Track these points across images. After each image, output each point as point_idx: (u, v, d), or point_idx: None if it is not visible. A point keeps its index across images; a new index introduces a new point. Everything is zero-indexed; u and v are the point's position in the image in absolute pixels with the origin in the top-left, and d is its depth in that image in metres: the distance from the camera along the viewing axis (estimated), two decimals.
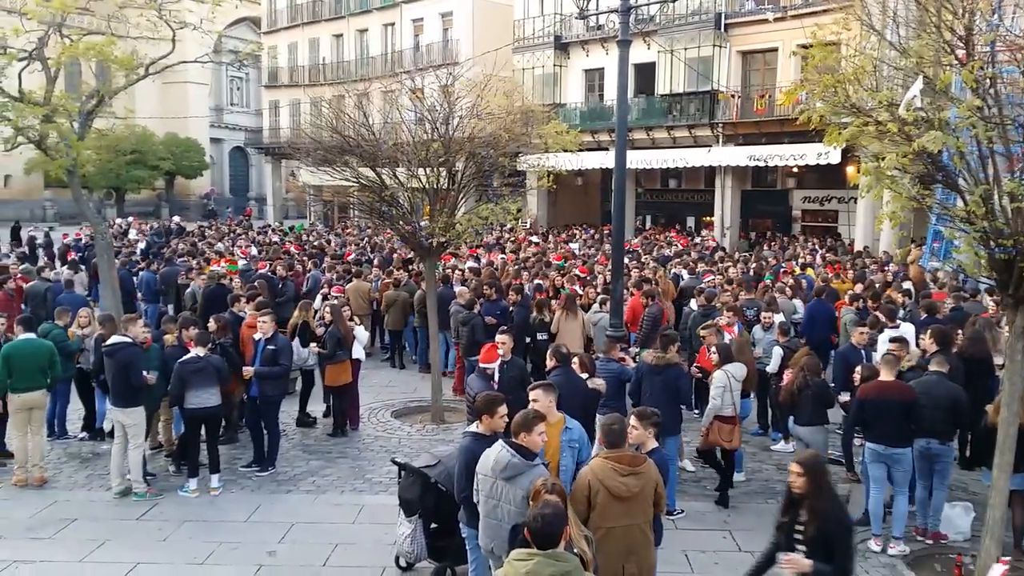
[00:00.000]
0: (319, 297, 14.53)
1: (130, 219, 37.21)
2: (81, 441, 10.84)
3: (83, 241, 24.92)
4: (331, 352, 10.98)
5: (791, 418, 9.03)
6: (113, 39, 13.58)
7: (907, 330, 10.58)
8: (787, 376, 9.26)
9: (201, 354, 9.08)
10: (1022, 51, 6.17)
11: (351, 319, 12.11)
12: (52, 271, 17.43)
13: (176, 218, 38.35)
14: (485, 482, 5.36)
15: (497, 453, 5.29)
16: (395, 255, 20.21)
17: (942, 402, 7.80)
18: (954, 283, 14.24)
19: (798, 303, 13.74)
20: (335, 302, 12.51)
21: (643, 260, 19.04)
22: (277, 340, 9.93)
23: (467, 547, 6.03)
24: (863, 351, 9.71)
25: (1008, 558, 6.81)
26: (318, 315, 11.96)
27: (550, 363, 8.28)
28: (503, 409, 5.81)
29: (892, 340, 9.33)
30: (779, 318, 11.47)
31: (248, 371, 9.79)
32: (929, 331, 9.22)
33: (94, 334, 10.51)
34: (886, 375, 7.85)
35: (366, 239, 26.59)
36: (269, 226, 36.75)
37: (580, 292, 14.33)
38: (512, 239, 25.92)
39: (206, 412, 9.04)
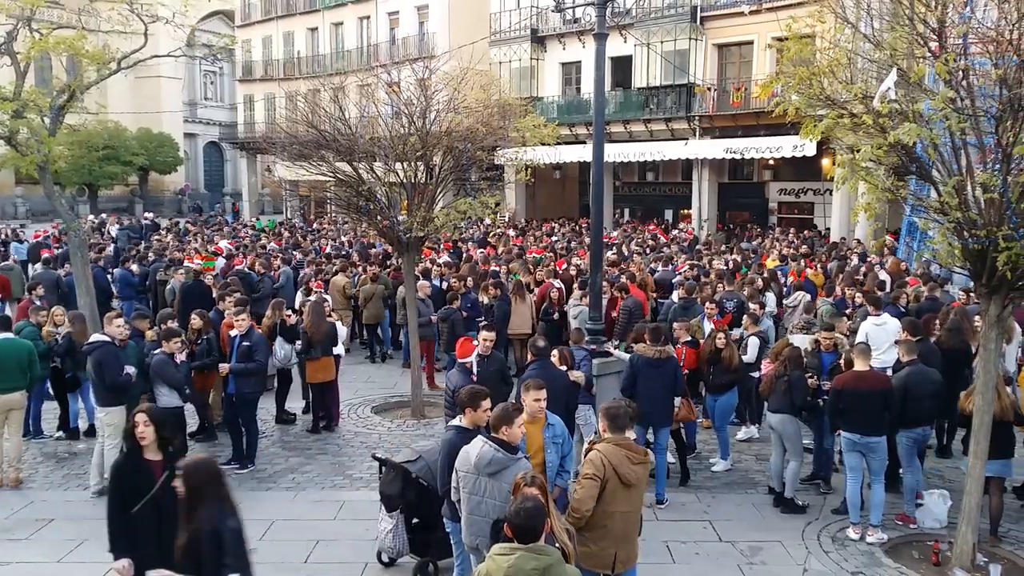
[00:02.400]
0: (299, 293, 14.48)
1: (103, 215, 36.74)
2: (57, 440, 10.72)
3: (48, 239, 24.55)
4: (303, 348, 10.99)
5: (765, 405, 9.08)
6: (84, 33, 13.39)
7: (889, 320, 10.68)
8: (766, 365, 9.34)
9: (155, 351, 9.03)
10: (994, 43, 6.23)
11: (329, 315, 12.04)
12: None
13: (149, 214, 37.91)
14: (467, 479, 5.33)
15: (480, 449, 5.27)
16: (371, 250, 20.17)
17: (930, 389, 8.04)
18: (926, 273, 14.40)
19: (770, 296, 13.80)
20: (313, 298, 12.46)
21: (626, 252, 19.16)
22: (252, 336, 9.86)
23: (451, 541, 6.02)
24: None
25: None
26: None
27: (528, 356, 8.28)
28: (487, 403, 5.81)
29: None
30: (751, 306, 11.56)
31: (224, 368, 9.75)
32: (902, 324, 9.38)
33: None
34: (861, 365, 7.92)
35: (343, 236, 26.47)
36: (241, 220, 36.40)
37: (558, 287, 14.29)
38: (496, 233, 25.96)
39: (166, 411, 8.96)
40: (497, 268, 16.58)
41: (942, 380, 8.23)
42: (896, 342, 9.09)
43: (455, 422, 6.04)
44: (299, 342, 11.09)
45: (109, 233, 28.74)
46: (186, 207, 54.16)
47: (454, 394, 7.91)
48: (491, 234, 25.72)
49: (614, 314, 13.00)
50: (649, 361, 8.53)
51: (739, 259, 18.40)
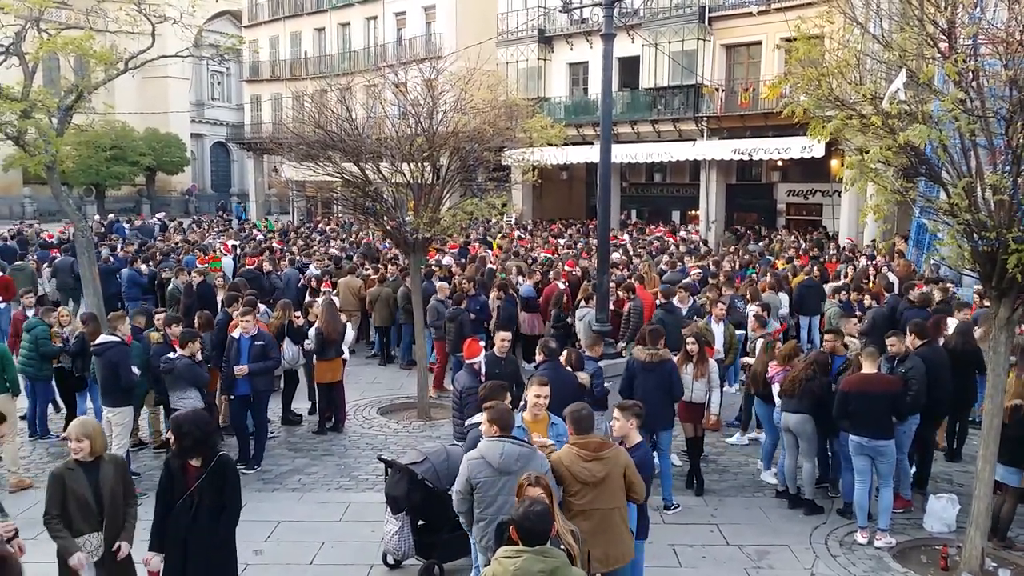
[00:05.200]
0: (308, 293, 14.49)
1: (111, 216, 36.80)
2: (64, 441, 10.71)
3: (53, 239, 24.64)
4: (317, 348, 10.95)
5: (779, 406, 8.72)
6: (92, 33, 13.41)
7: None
8: (772, 367, 9.25)
9: (172, 356, 9.00)
10: (1004, 44, 6.18)
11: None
12: None
13: (160, 214, 38.05)
14: (488, 482, 5.30)
15: (503, 448, 5.29)
16: (379, 252, 20.18)
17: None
18: (934, 276, 14.33)
19: (783, 297, 13.76)
20: (321, 298, 12.46)
21: (632, 254, 19.14)
22: (264, 336, 9.86)
23: (472, 542, 5.96)
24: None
25: None
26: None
27: (539, 357, 8.27)
28: (508, 396, 5.85)
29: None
30: (752, 309, 11.52)
31: (242, 369, 9.59)
32: (908, 326, 9.31)
33: (75, 332, 10.42)
34: (869, 367, 7.87)
35: (350, 237, 26.48)
36: (248, 222, 36.46)
37: (562, 287, 14.24)
38: (503, 234, 25.97)
39: None
40: (492, 265, 16.57)
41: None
42: (886, 336, 8.98)
43: (476, 420, 6.01)
44: (308, 342, 11.06)
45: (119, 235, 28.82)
46: (192, 207, 54.32)
47: (461, 395, 7.92)
48: (495, 234, 25.77)
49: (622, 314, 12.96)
50: (644, 364, 8.51)
51: (746, 259, 18.35)
